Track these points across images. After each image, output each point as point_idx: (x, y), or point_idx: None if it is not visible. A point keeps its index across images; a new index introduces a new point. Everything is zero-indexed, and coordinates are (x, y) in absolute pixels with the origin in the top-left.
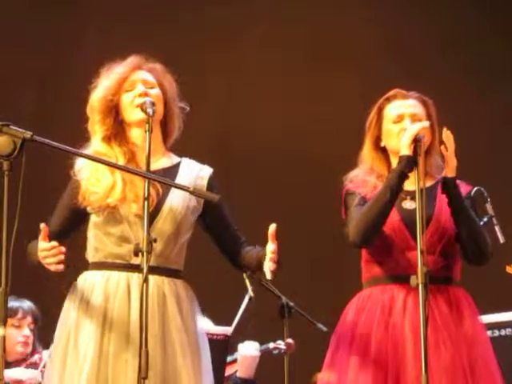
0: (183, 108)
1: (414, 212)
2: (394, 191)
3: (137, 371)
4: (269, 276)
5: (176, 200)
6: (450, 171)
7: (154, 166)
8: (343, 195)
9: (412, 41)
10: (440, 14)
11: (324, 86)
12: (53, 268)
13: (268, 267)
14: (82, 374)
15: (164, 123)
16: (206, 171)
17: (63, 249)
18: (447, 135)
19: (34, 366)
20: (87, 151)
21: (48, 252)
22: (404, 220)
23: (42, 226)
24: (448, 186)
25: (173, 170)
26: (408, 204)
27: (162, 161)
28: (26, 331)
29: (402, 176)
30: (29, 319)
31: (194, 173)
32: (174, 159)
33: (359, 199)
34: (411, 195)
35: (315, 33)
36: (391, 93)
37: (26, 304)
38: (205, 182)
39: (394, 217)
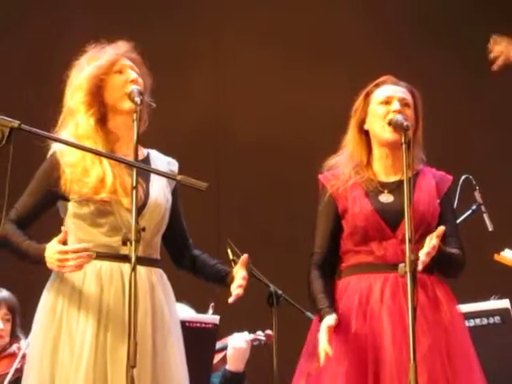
0: (150, 104)
1: (389, 205)
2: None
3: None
4: (232, 300)
5: (158, 193)
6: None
7: (130, 159)
8: (319, 185)
9: (402, 32)
10: (431, 4)
11: (315, 78)
12: (67, 270)
13: (235, 292)
14: (80, 365)
15: None
16: (174, 165)
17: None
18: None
19: (13, 356)
20: (69, 131)
21: (66, 255)
22: (378, 211)
23: (64, 230)
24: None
25: (145, 163)
26: (384, 198)
27: None
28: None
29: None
30: (3, 310)
31: (165, 165)
32: (144, 151)
33: (324, 205)
34: (389, 187)
35: (304, 25)
36: (381, 79)
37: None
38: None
39: (367, 207)
